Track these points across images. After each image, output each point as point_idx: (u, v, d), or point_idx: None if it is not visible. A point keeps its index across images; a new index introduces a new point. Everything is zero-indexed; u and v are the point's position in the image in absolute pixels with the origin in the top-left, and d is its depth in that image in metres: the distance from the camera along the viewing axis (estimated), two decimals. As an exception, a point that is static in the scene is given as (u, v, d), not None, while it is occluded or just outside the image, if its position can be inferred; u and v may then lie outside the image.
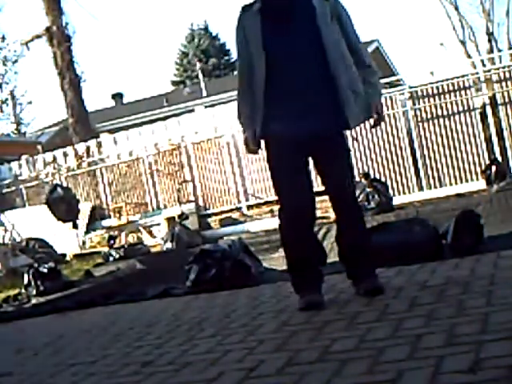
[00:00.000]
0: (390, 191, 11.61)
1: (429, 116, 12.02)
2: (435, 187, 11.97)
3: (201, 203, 13.91)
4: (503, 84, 11.68)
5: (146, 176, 14.60)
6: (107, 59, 70.95)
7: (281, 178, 3.43)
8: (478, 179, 11.52)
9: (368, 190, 10.89)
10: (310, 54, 3.27)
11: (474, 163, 11.75)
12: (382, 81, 14.35)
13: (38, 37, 19.88)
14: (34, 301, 6.26)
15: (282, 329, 3.11)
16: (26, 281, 6.55)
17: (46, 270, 6.55)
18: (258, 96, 3.30)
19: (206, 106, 17.93)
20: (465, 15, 24.54)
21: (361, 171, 11.63)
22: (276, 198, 3.62)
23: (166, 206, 14.16)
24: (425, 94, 12.04)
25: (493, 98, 11.81)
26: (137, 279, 7.18)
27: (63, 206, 12.26)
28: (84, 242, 13.76)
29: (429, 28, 50.58)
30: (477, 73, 12.32)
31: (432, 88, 11.99)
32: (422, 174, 12.09)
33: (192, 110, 17.04)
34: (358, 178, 11.84)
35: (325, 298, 3.48)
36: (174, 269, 6.52)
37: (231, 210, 13.61)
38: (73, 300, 5.91)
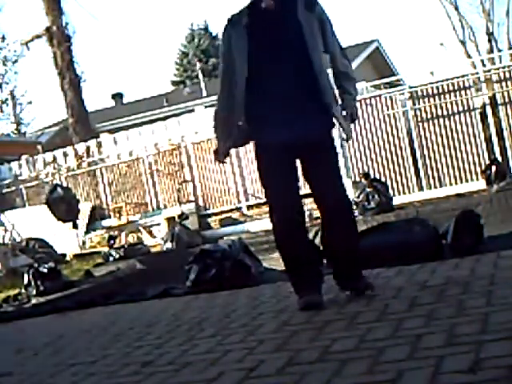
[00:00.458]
0: (390, 191, 11.61)
1: (429, 116, 12.02)
2: (435, 187, 11.97)
3: (201, 203, 13.91)
4: (503, 84, 11.67)
5: (146, 176, 14.60)
6: (107, 59, 70.98)
7: (270, 180, 3.46)
8: (478, 179, 11.52)
9: (368, 189, 10.89)
10: (294, 65, 3.33)
11: (474, 163, 11.75)
12: (382, 81, 14.38)
13: (38, 37, 19.89)
14: (34, 301, 6.26)
15: (282, 329, 3.11)
16: (26, 281, 6.55)
17: (46, 270, 6.55)
18: (238, 105, 3.39)
19: (206, 106, 17.93)
20: (465, 15, 24.53)
21: (361, 171, 11.65)
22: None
23: (166, 206, 14.17)
24: (425, 93, 12.04)
25: (493, 98, 11.81)
26: (137, 279, 7.18)
27: (63, 206, 12.26)
28: (84, 242, 13.76)
29: (429, 28, 50.59)
30: (477, 73, 12.31)
31: (432, 88, 11.99)
32: (422, 173, 12.09)
33: (192, 110, 17.04)
34: (358, 178, 11.88)
35: (325, 298, 3.48)
36: (174, 269, 6.51)
37: (231, 210, 13.61)
38: (73, 300, 5.91)
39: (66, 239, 12.92)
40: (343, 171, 11.22)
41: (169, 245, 11.07)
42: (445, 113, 11.92)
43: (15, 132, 30.68)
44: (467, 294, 3.10)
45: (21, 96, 31.94)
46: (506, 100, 11.64)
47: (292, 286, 3.57)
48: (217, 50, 40.04)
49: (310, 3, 3.30)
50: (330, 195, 3.42)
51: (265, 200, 3.57)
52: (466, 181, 11.76)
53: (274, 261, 6.48)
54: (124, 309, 5.04)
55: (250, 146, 3.63)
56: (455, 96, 11.83)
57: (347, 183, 10.37)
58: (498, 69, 11.98)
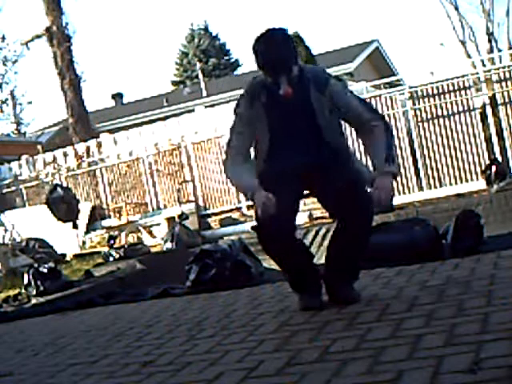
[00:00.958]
0: (390, 191, 11.59)
1: (429, 116, 12.02)
2: (435, 187, 11.97)
3: (201, 203, 13.91)
4: (503, 84, 11.67)
5: (146, 176, 14.60)
6: (107, 59, 71.01)
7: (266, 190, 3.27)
8: (478, 179, 11.52)
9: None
10: (308, 144, 3.35)
11: (474, 163, 11.75)
12: (382, 81, 14.38)
13: (38, 37, 19.90)
14: (34, 301, 6.26)
15: (282, 329, 3.11)
16: (26, 281, 6.55)
17: (45, 270, 6.54)
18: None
19: (206, 106, 17.94)
20: (465, 15, 24.59)
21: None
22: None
23: (165, 206, 14.17)
24: (425, 94, 12.04)
25: (493, 98, 11.81)
26: (137, 279, 7.19)
27: (63, 206, 12.25)
28: (84, 242, 13.76)
29: (429, 28, 50.63)
30: (477, 73, 12.31)
31: (432, 88, 11.99)
32: (422, 174, 12.09)
33: (192, 110, 17.04)
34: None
35: (324, 298, 3.48)
36: (174, 269, 6.52)
37: (231, 210, 13.61)
38: (73, 300, 5.91)
39: (66, 239, 12.91)
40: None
41: (169, 245, 11.06)
42: (445, 113, 11.91)
43: (15, 132, 30.70)
44: (467, 294, 3.10)
45: (21, 96, 32.00)
46: (506, 100, 11.64)
47: (291, 288, 3.57)
48: (217, 50, 40.11)
49: (321, 85, 3.33)
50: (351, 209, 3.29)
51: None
52: (466, 181, 11.76)
53: (274, 261, 6.49)
54: (124, 309, 5.04)
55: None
56: (455, 96, 11.82)
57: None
58: (498, 69, 11.97)
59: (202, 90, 26.90)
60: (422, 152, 12.07)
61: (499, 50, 22.75)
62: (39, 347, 3.92)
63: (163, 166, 14.35)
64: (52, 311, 5.61)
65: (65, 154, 15.82)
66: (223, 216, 13.53)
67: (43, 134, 25.14)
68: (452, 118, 11.87)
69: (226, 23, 68.61)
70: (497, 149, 11.70)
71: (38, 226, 12.86)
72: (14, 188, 16.00)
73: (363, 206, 3.32)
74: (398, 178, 11.95)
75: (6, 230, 12.79)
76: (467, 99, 11.76)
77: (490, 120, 11.79)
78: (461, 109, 11.82)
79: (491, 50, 22.99)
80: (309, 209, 10.34)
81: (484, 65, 14.52)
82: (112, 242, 10.00)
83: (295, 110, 3.30)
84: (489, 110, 11.81)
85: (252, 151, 3.48)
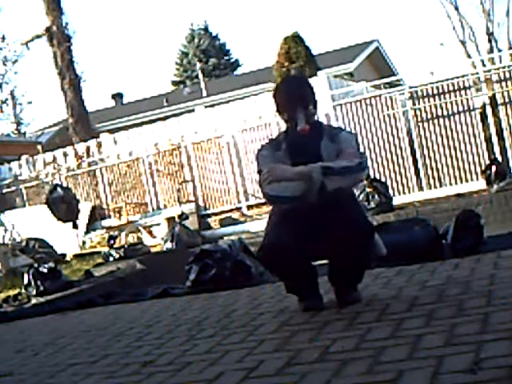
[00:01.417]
0: (390, 191, 11.61)
1: (429, 116, 12.02)
2: (435, 187, 11.97)
3: (201, 203, 13.91)
4: (503, 84, 11.67)
5: (146, 176, 14.60)
6: (107, 59, 71.03)
7: (281, 221, 3.31)
8: (478, 179, 11.52)
9: (368, 190, 10.89)
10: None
11: (474, 163, 11.76)
12: (382, 81, 14.37)
13: (38, 37, 19.91)
14: (34, 301, 6.26)
15: (282, 329, 3.11)
16: (26, 281, 6.55)
17: (45, 270, 6.54)
18: None
19: (205, 106, 17.94)
20: (465, 15, 24.57)
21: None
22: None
23: (165, 206, 14.17)
24: (425, 93, 12.04)
25: (493, 98, 11.81)
26: (137, 279, 7.19)
27: (63, 205, 12.25)
28: (84, 242, 13.76)
29: (429, 28, 50.63)
30: (477, 73, 12.31)
31: (432, 88, 11.99)
32: (422, 173, 12.09)
33: (192, 110, 17.04)
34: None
35: (324, 298, 3.48)
36: (174, 269, 6.52)
37: (231, 210, 13.61)
38: (73, 300, 5.91)
39: (66, 239, 12.91)
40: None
41: (169, 245, 11.06)
42: (445, 113, 11.92)
43: (15, 132, 30.71)
44: (467, 294, 3.10)
45: (21, 96, 32.01)
46: (506, 100, 11.64)
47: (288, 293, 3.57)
48: (217, 50, 40.12)
49: (334, 135, 3.41)
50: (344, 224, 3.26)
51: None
52: (466, 181, 11.76)
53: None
54: (124, 309, 5.04)
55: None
56: (455, 96, 11.83)
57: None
58: (498, 69, 11.97)
59: (202, 90, 26.90)
60: (422, 152, 12.07)
61: (499, 50, 22.75)
62: (39, 347, 3.92)
63: (163, 166, 14.35)
64: (52, 311, 5.61)
65: (65, 154, 15.82)
66: (223, 216, 13.53)
67: (43, 134, 25.15)
68: (452, 118, 11.88)
69: (226, 23, 68.71)
70: (497, 149, 11.71)
71: (37, 226, 12.86)
72: (14, 188, 16.00)
73: (362, 251, 3.32)
74: (398, 178, 12.12)
75: (5, 230, 12.79)
76: (467, 99, 11.77)
77: (490, 120, 11.79)
78: (461, 109, 11.82)
79: (491, 50, 22.98)
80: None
81: (484, 65, 14.51)
82: (112, 241, 10.00)
83: (307, 157, 3.35)
84: (489, 110, 11.81)
85: None
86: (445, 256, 4.55)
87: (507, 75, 11.61)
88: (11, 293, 7.26)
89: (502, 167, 10.97)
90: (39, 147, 18.71)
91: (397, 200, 11.54)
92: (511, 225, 8.52)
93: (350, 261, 3.31)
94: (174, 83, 39.19)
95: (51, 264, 6.87)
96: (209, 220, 13.56)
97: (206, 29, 41.51)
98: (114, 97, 33.76)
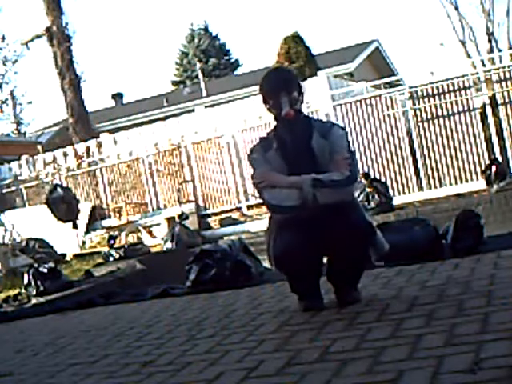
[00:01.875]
0: (390, 191, 11.62)
1: (429, 116, 12.03)
2: (435, 187, 11.98)
3: (201, 203, 13.92)
4: (503, 84, 11.68)
5: (146, 176, 14.61)
6: (107, 59, 71.05)
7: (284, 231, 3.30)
8: (478, 179, 11.53)
9: (368, 190, 10.89)
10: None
11: (474, 163, 11.76)
12: (382, 81, 14.38)
13: (38, 37, 19.92)
14: (34, 301, 6.26)
15: (282, 329, 3.11)
16: (26, 281, 6.55)
17: (45, 270, 6.54)
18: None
19: (206, 106, 17.94)
20: (465, 15, 24.59)
21: (360, 171, 11.65)
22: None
23: (165, 206, 14.17)
24: (425, 93, 12.04)
25: (493, 98, 11.81)
26: (137, 279, 7.19)
27: (63, 205, 12.26)
28: (84, 242, 13.76)
29: (429, 28, 50.65)
30: (477, 73, 12.31)
31: (432, 88, 11.99)
32: (422, 173, 12.10)
33: (192, 110, 17.05)
34: (358, 178, 11.88)
35: (324, 298, 3.48)
36: (174, 269, 6.52)
37: (231, 210, 13.61)
38: (73, 300, 5.91)
39: (66, 239, 12.92)
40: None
41: (169, 245, 11.06)
42: (445, 113, 11.92)
43: (15, 132, 30.72)
44: (467, 294, 3.10)
45: (21, 96, 32.02)
46: (506, 100, 11.65)
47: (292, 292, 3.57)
48: (217, 50, 40.13)
49: (325, 131, 3.40)
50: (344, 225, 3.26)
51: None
52: (466, 181, 11.77)
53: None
54: (124, 309, 5.04)
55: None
56: (455, 96, 11.83)
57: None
58: (498, 69, 11.98)
59: (202, 90, 26.90)
60: (422, 152, 12.07)
61: (499, 50, 22.76)
62: (39, 347, 3.92)
63: (163, 166, 14.35)
64: (52, 311, 5.61)
65: (65, 154, 15.83)
66: (223, 216, 13.53)
67: (43, 134, 25.15)
68: (452, 118, 11.88)
69: (226, 23, 68.72)
70: (497, 149, 11.71)
71: (38, 226, 12.86)
72: (14, 188, 16.01)
73: (363, 252, 3.33)
74: (398, 178, 12.12)
75: (5, 230, 12.79)
76: (467, 99, 11.77)
77: (490, 120, 11.79)
78: (461, 109, 11.83)
79: (491, 50, 22.99)
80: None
81: (484, 65, 14.52)
82: (112, 241, 10.00)
83: (299, 153, 3.38)
84: (489, 110, 11.82)
85: None
86: (445, 256, 4.54)
87: (507, 75, 11.62)
88: (11, 293, 7.25)
89: (502, 167, 10.98)
90: (39, 147, 18.72)
91: (397, 200, 11.55)
92: (511, 225, 8.52)
93: (350, 261, 3.31)
94: (174, 83, 39.19)
95: (51, 264, 6.86)
96: (209, 220, 13.57)
97: (206, 29, 41.51)
98: (114, 97, 33.78)
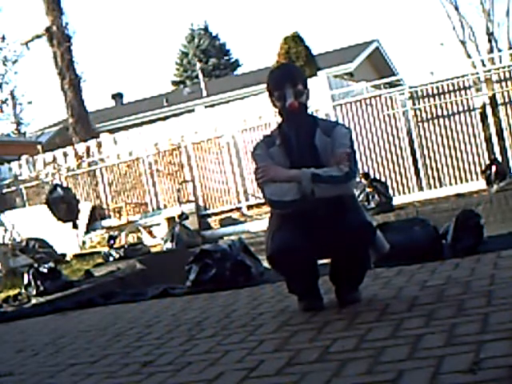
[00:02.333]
0: (390, 191, 11.62)
1: (429, 116, 12.03)
2: (435, 187, 11.98)
3: (201, 203, 13.92)
4: (503, 84, 11.68)
5: (146, 176, 14.61)
6: (107, 59, 71.07)
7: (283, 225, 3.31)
8: (478, 179, 11.53)
9: (368, 190, 10.90)
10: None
11: (474, 163, 11.76)
12: (382, 81, 14.38)
13: (38, 37, 19.92)
14: (34, 301, 6.26)
15: (282, 329, 3.11)
16: (26, 281, 6.55)
17: (45, 270, 6.55)
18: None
19: (206, 106, 17.94)
20: (465, 15, 24.60)
21: (360, 171, 11.65)
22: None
23: (165, 206, 14.17)
24: (425, 94, 12.04)
25: (493, 98, 11.81)
26: (137, 279, 7.20)
27: (63, 205, 12.26)
28: (84, 242, 13.76)
29: (429, 28, 50.63)
30: (477, 73, 12.31)
31: (432, 88, 11.99)
32: (422, 173, 12.10)
33: (192, 110, 17.05)
34: (358, 179, 11.90)
35: (324, 298, 3.48)
36: (174, 269, 6.52)
37: (231, 210, 13.61)
38: (73, 300, 5.91)
39: (66, 239, 12.92)
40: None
41: (169, 245, 11.07)
42: (445, 113, 11.92)
43: (15, 132, 30.73)
44: (467, 294, 3.10)
45: (21, 96, 32.03)
46: (506, 100, 11.65)
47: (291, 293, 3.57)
48: (217, 50, 40.12)
49: (328, 130, 3.41)
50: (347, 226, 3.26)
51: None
52: (466, 181, 11.77)
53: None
54: (124, 309, 5.04)
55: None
56: (455, 96, 11.83)
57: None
58: (498, 69, 11.98)
59: (202, 90, 26.90)
60: (422, 152, 12.07)
61: (499, 50, 22.77)
62: (39, 347, 3.92)
63: (163, 166, 14.36)
64: (52, 311, 5.61)
65: (65, 154, 15.83)
66: (223, 216, 13.53)
67: (43, 134, 25.16)
68: (452, 117, 11.88)
69: (226, 23, 68.71)
70: (497, 149, 11.71)
71: (38, 226, 12.86)
72: (14, 188, 16.01)
73: (363, 252, 3.34)
74: (398, 178, 12.12)
75: (5, 230, 12.79)
76: (467, 99, 11.77)
77: (490, 120, 11.79)
78: (461, 109, 11.83)
79: (491, 50, 22.99)
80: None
81: (484, 65, 14.53)
82: (112, 242, 10.00)
83: (302, 150, 3.39)
84: (489, 110, 11.82)
85: None
86: (445, 256, 4.55)
87: (507, 75, 11.62)
88: (11, 293, 7.26)
89: (502, 167, 10.98)
90: (39, 147, 18.72)
91: (397, 200, 11.55)
92: (511, 225, 8.52)
93: (350, 261, 3.31)
94: (174, 83, 39.19)
95: (51, 264, 6.87)
96: (209, 220, 13.57)
97: (206, 29, 41.51)
98: (114, 97, 33.78)
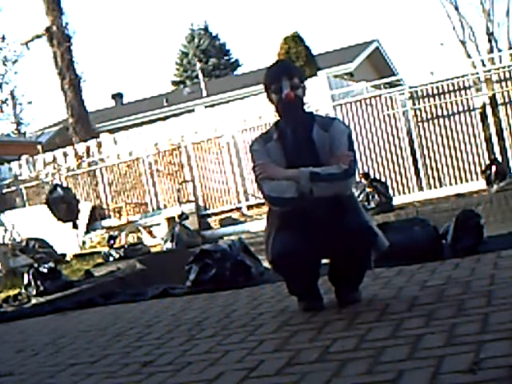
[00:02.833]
0: (390, 191, 11.62)
1: (429, 116, 12.03)
2: (435, 187, 11.98)
3: (201, 203, 13.91)
4: (503, 84, 11.68)
5: (146, 176, 14.61)
6: (107, 59, 71.07)
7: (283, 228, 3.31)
8: (478, 179, 11.53)
9: (368, 190, 10.90)
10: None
11: (474, 163, 11.76)
12: (382, 81, 14.38)
13: (38, 37, 19.92)
14: (34, 301, 6.26)
15: (282, 329, 3.11)
16: (26, 281, 6.55)
17: (45, 270, 6.55)
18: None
19: (206, 106, 17.94)
20: (465, 15, 24.60)
21: (360, 171, 11.66)
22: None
23: (165, 206, 14.17)
24: (425, 94, 12.04)
25: (493, 98, 11.81)
26: (137, 279, 7.20)
27: (63, 205, 12.26)
28: (84, 242, 13.76)
29: (429, 28, 50.63)
30: (477, 73, 12.31)
31: (432, 88, 11.99)
32: (422, 173, 12.10)
33: (192, 110, 17.05)
34: (357, 178, 11.89)
35: (324, 298, 3.48)
36: (174, 269, 6.52)
37: (231, 210, 13.61)
38: (73, 300, 5.91)
39: (66, 239, 12.92)
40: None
41: (169, 245, 11.07)
42: (445, 113, 11.92)
43: (15, 132, 30.73)
44: (467, 294, 3.10)
45: (21, 96, 32.04)
46: (506, 100, 11.65)
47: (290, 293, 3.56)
48: (217, 50, 40.11)
49: (326, 125, 3.41)
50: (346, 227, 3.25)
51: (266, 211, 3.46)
52: (466, 181, 11.77)
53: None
54: (124, 309, 5.04)
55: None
56: (455, 96, 11.83)
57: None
58: (498, 69, 11.98)
59: (202, 90, 26.90)
60: (422, 152, 12.07)
61: (499, 50, 22.77)
62: (39, 347, 3.92)
63: (163, 166, 14.35)
64: (52, 311, 5.60)
65: (65, 154, 15.83)
66: (223, 216, 13.53)
67: (43, 134, 25.16)
68: (452, 117, 11.88)
69: (226, 23, 68.71)
70: (497, 149, 11.71)
71: (38, 226, 12.86)
72: (14, 188, 16.01)
73: (363, 252, 3.32)
74: (398, 178, 12.12)
75: (5, 230, 12.79)
76: (467, 99, 11.77)
77: (490, 120, 11.79)
78: (461, 109, 11.83)
79: (491, 50, 22.99)
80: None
81: (484, 65, 14.53)
82: (112, 242, 10.00)
83: (299, 144, 3.39)
84: (489, 110, 11.82)
85: None
86: (445, 256, 4.54)
87: (507, 75, 11.62)
88: (11, 293, 7.26)
89: (502, 167, 10.98)
90: (39, 147, 18.72)
91: (397, 200, 11.55)
92: (511, 225, 8.52)
93: (349, 262, 3.31)
94: (174, 83, 39.19)
95: (51, 264, 6.87)
96: (209, 220, 13.57)
97: (206, 29, 41.51)
98: (114, 97, 33.78)
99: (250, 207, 13.38)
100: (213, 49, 40.01)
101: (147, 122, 21.22)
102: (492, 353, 2.13)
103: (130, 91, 71.38)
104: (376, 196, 10.88)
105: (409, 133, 12.21)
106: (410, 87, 12.29)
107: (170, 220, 12.82)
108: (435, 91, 11.96)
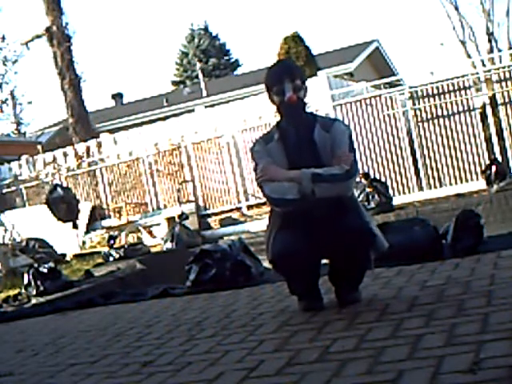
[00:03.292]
0: (390, 191, 11.62)
1: (429, 116, 12.03)
2: (435, 187, 11.98)
3: (201, 203, 13.91)
4: (503, 84, 11.68)
5: (146, 176, 14.61)
6: (107, 59, 71.07)
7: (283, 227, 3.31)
8: (478, 179, 11.53)
9: (368, 190, 10.89)
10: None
11: (474, 163, 11.76)
12: (382, 81, 14.38)
13: (38, 37, 19.92)
14: (33, 301, 6.26)
15: (282, 329, 3.11)
16: (26, 281, 6.55)
17: (45, 270, 6.54)
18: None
19: (206, 106, 17.94)
20: (465, 15, 24.61)
21: (360, 171, 11.66)
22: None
23: (165, 206, 14.17)
24: (425, 94, 12.04)
25: (493, 98, 11.81)
26: (137, 279, 7.19)
27: (63, 205, 12.26)
28: (84, 242, 13.76)
29: (429, 28, 50.64)
30: (477, 73, 12.31)
31: (432, 88, 11.99)
32: (422, 173, 12.10)
33: (192, 110, 17.05)
34: (357, 178, 11.89)
35: (324, 298, 3.48)
36: (174, 269, 6.52)
37: (231, 210, 13.61)
38: (73, 300, 5.91)
39: (66, 239, 12.92)
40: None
41: (169, 245, 11.07)
42: (445, 113, 11.92)
43: (15, 132, 30.73)
44: (467, 294, 3.10)
45: (21, 96, 32.04)
46: (506, 100, 11.64)
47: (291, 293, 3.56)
48: (217, 50, 40.12)
49: (327, 125, 3.41)
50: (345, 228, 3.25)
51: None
52: (466, 181, 11.77)
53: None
54: (124, 309, 5.04)
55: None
56: (455, 96, 11.83)
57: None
58: (498, 69, 11.97)
59: (202, 90, 26.90)
60: (422, 152, 12.07)
61: (499, 50, 22.77)
62: (39, 347, 3.92)
63: (163, 166, 14.35)
64: (52, 311, 5.61)
65: (65, 154, 15.83)
66: (223, 216, 13.53)
67: (43, 134, 25.16)
68: (452, 117, 11.88)
69: (226, 23, 68.72)
70: (497, 149, 11.71)
71: (38, 226, 12.86)
72: (14, 188, 16.01)
73: (363, 252, 3.32)
74: (398, 178, 12.11)
75: (5, 230, 12.80)
76: (467, 99, 11.77)
77: (490, 120, 11.79)
78: (461, 109, 11.83)
79: (491, 50, 23.00)
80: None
81: (484, 65, 14.53)
82: (112, 242, 9.99)
83: (300, 145, 3.39)
84: (489, 110, 11.81)
85: None
86: (445, 256, 4.54)
87: (507, 75, 11.61)
88: (11, 293, 7.26)
89: (502, 167, 10.98)
90: (39, 147, 18.72)
91: (397, 200, 11.55)
92: (511, 225, 8.52)
93: (349, 262, 3.31)
94: (174, 83, 39.19)
95: (51, 264, 6.87)
96: (209, 220, 13.57)
97: (206, 29, 41.51)
98: (114, 97, 33.78)
99: (250, 207, 13.38)
100: (213, 49, 40.01)
101: (147, 121, 21.22)
102: (492, 353, 2.13)
103: (130, 91, 71.44)
104: (376, 196, 10.88)
105: (409, 133, 12.21)
106: (410, 87, 12.29)
107: (170, 220, 12.82)
108: (435, 91, 11.96)
